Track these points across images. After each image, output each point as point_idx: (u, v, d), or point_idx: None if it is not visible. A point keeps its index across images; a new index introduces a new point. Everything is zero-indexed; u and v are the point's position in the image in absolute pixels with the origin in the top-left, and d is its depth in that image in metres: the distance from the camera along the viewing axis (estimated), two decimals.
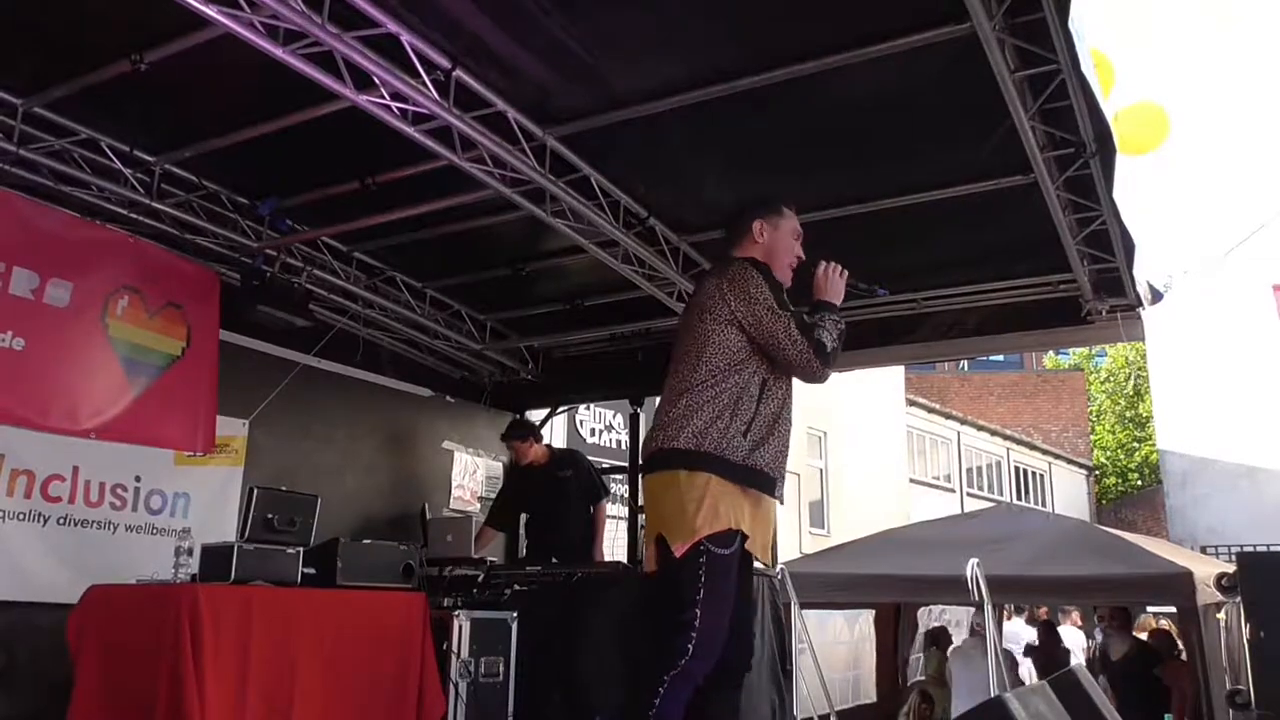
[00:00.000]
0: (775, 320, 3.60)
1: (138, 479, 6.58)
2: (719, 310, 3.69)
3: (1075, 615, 14.38)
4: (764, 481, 3.59)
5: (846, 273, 3.93)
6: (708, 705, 3.58)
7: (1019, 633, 13.34)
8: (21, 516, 5.98)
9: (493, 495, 9.05)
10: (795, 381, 3.89)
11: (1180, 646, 8.49)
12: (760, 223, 3.96)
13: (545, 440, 8.65)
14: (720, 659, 3.52)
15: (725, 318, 3.67)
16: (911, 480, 23.11)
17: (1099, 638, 12.89)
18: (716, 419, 3.53)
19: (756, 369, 3.65)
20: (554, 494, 7.96)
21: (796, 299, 3.99)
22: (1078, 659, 12.51)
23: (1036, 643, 11.72)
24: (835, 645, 12.13)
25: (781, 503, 3.77)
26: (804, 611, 7.47)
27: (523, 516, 8.38)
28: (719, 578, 3.41)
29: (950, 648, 10.57)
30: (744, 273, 3.73)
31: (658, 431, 3.67)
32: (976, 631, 9.18)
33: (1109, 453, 34.14)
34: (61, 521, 6.16)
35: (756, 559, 3.74)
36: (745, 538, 3.52)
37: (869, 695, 11.13)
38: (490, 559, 7.63)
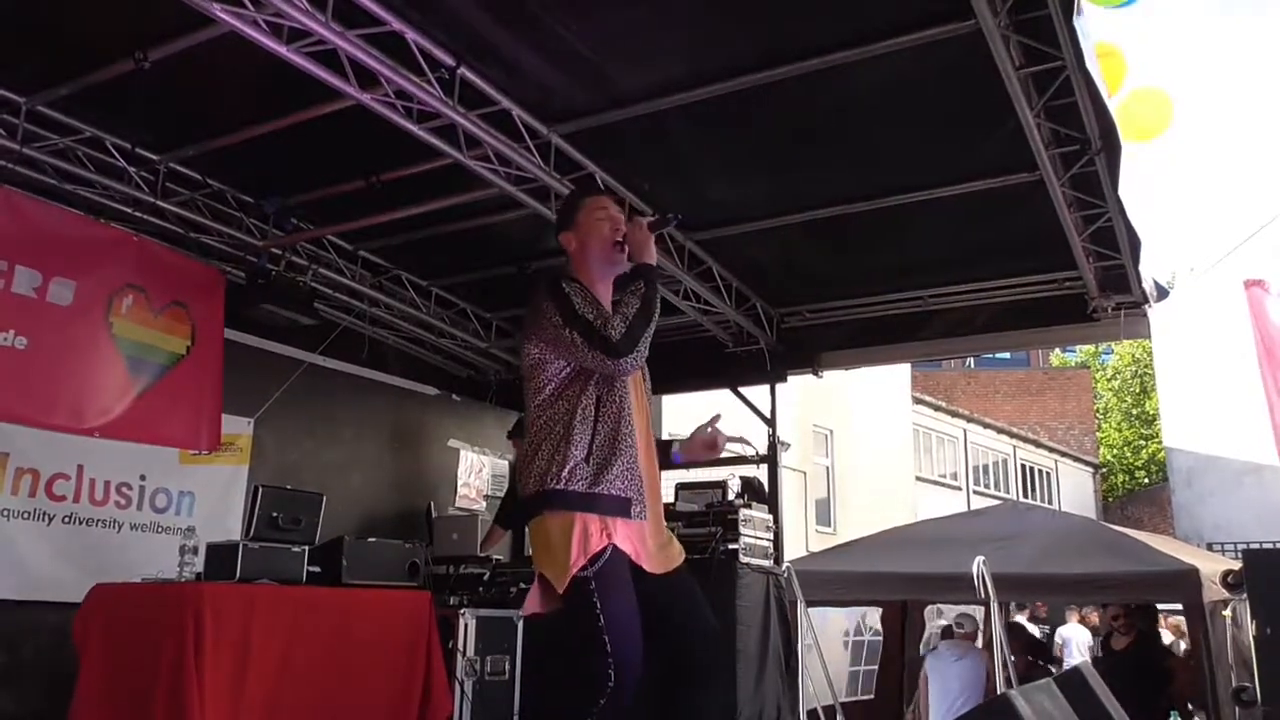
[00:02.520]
0: (559, 335, 3.38)
1: (143, 478, 6.59)
2: (531, 341, 3.52)
3: (1091, 614, 14.29)
4: (616, 506, 3.37)
5: (646, 220, 3.61)
6: (697, 708, 3.49)
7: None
8: (26, 515, 5.99)
9: (498, 494, 9.04)
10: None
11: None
12: (564, 235, 3.68)
13: None
14: (685, 663, 3.45)
15: (536, 348, 3.49)
16: (918, 478, 23.06)
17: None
18: (556, 452, 3.36)
19: (586, 386, 3.43)
20: None
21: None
22: (1084, 657, 12.45)
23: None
24: (835, 642, 12.12)
25: (643, 518, 3.43)
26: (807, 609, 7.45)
27: None
28: (609, 594, 3.26)
29: (927, 652, 10.37)
30: (536, 304, 3.50)
31: (521, 477, 3.54)
32: (954, 634, 9.07)
33: (1115, 450, 34.06)
34: (66, 520, 6.17)
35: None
36: (618, 551, 3.32)
37: (868, 691, 11.11)
38: (496, 557, 7.63)
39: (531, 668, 6.19)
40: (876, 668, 11.20)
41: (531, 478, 3.42)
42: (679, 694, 3.44)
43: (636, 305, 3.41)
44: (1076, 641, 13.28)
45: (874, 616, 12.24)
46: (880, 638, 12.27)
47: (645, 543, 3.45)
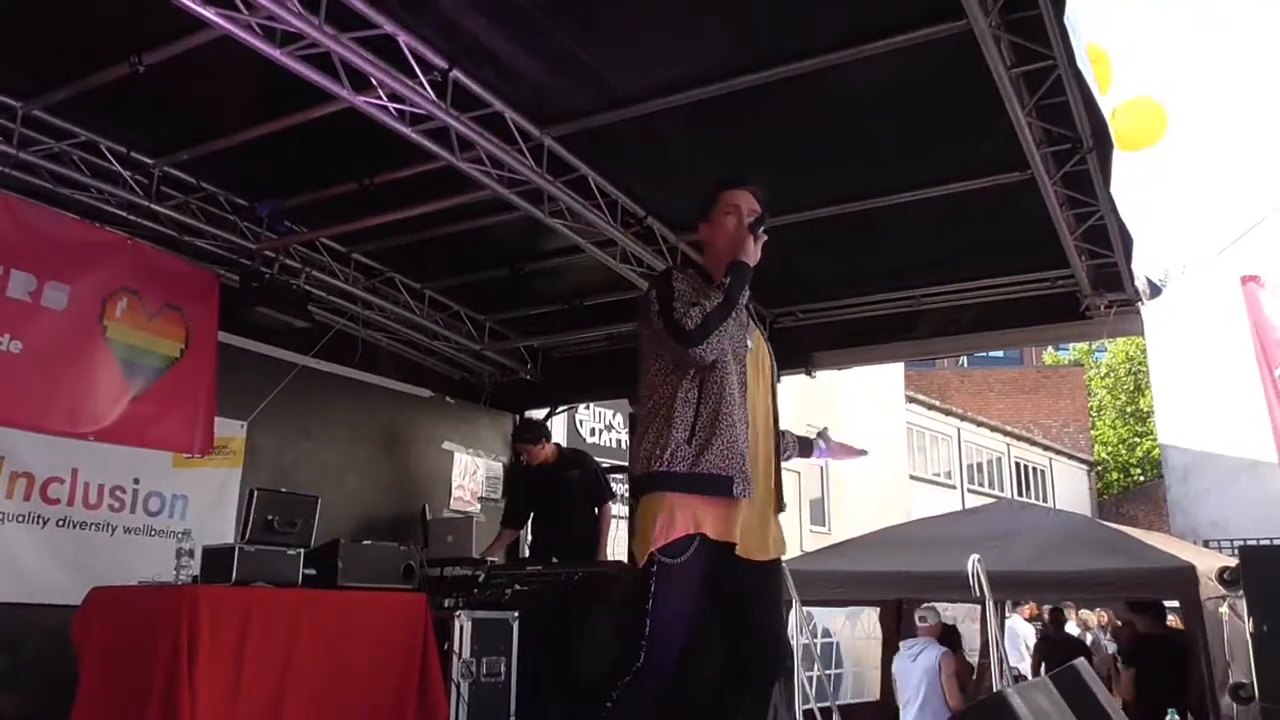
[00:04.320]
0: (654, 321, 3.59)
1: (136, 481, 6.58)
2: (640, 325, 3.74)
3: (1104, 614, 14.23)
4: (717, 484, 3.46)
5: (750, 220, 3.76)
6: (732, 710, 3.56)
7: (1017, 629, 13.32)
8: (21, 518, 5.99)
9: (493, 495, 9.04)
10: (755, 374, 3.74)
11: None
12: (702, 225, 3.91)
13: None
14: (738, 660, 3.52)
15: (644, 333, 3.71)
16: (912, 477, 23.12)
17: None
18: (660, 435, 3.51)
19: (688, 372, 3.57)
20: (559, 494, 7.96)
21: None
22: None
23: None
24: (836, 642, 12.15)
25: (746, 496, 3.50)
26: (803, 609, 7.48)
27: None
28: (671, 587, 3.36)
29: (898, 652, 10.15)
30: (644, 295, 3.73)
31: (631, 457, 3.73)
32: (919, 630, 9.01)
33: (1110, 448, 34.16)
34: (61, 523, 6.16)
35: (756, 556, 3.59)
36: (707, 541, 3.42)
37: (871, 693, 11.13)
38: (491, 559, 7.63)
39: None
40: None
41: (638, 459, 3.58)
42: (727, 689, 3.54)
43: (719, 299, 3.57)
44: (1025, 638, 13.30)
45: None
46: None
47: (741, 524, 3.53)
